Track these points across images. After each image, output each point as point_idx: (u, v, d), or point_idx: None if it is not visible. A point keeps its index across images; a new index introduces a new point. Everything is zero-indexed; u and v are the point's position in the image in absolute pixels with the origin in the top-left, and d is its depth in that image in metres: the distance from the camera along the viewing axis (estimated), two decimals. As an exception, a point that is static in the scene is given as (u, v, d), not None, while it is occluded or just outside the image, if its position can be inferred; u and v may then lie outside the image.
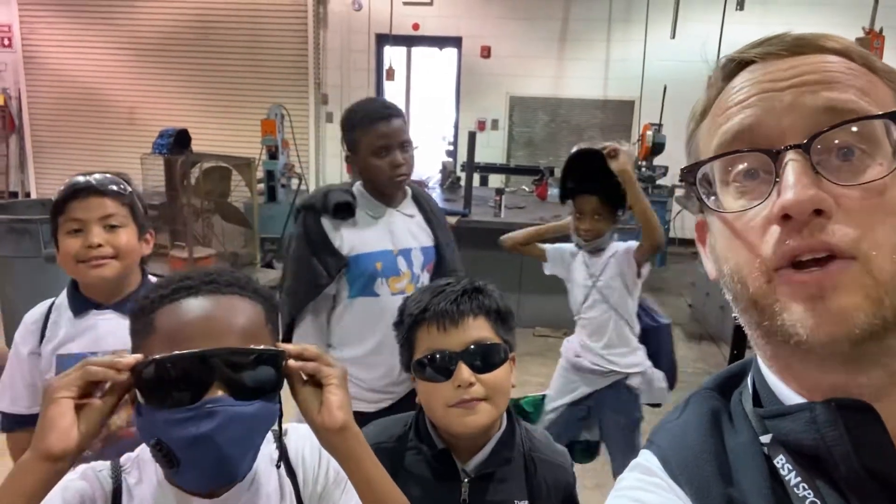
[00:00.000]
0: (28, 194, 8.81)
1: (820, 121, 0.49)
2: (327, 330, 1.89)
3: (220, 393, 0.74)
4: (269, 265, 6.05)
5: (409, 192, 1.95)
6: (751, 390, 0.58)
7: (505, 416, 1.18)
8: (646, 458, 0.60)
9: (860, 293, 0.46)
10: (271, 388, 0.80)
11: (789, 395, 0.53)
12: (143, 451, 0.87)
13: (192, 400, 0.74)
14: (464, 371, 1.07)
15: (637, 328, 2.36)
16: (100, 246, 1.33)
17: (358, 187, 1.88)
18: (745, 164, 0.52)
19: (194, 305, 0.79)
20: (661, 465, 0.58)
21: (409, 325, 1.16)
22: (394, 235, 1.85)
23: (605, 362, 2.30)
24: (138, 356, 0.75)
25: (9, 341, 4.44)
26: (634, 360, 2.32)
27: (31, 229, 3.75)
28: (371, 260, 1.82)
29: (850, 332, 0.45)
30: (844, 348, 0.46)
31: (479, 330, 1.12)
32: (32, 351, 1.40)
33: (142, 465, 0.86)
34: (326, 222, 1.81)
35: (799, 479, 0.49)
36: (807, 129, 0.49)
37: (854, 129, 0.48)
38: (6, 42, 8.66)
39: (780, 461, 0.51)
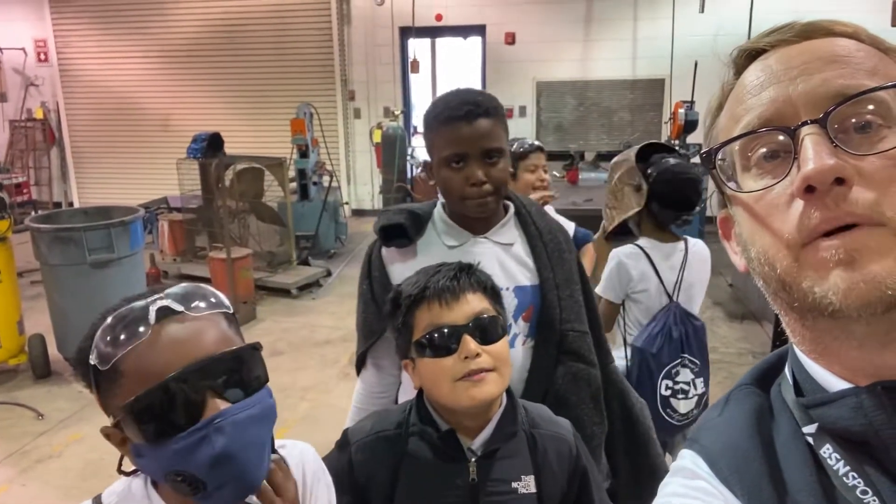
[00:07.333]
0: (71, 203, 9.10)
1: (834, 101, 0.49)
2: (396, 379, 1.54)
3: (220, 406, 0.73)
4: (304, 262, 6.13)
5: (511, 210, 1.49)
6: (790, 380, 0.57)
7: (504, 392, 1.18)
8: (691, 460, 0.59)
9: (890, 256, 0.45)
10: (259, 385, 0.79)
11: (832, 381, 0.52)
12: (128, 485, 0.84)
13: (194, 420, 0.72)
14: (469, 342, 1.08)
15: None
16: None
17: (438, 208, 1.49)
18: (764, 147, 0.52)
19: (160, 336, 0.74)
20: (709, 466, 0.57)
21: (407, 306, 1.15)
22: None
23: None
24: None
25: (60, 345, 4.55)
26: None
27: (75, 237, 3.86)
28: None
29: (883, 295, 0.45)
30: (877, 311, 0.45)
31: (479, 303, 1.13)
32: None
33: (130, 499, 0.83)
34: (387, 252, 1.47)
35: (847, 468, 0.49)
36: (822, 107, 0.49)
37: (870, 106, 0.48)
38: (42, 57, 8.92)
39: (827, 451, 0.50)
